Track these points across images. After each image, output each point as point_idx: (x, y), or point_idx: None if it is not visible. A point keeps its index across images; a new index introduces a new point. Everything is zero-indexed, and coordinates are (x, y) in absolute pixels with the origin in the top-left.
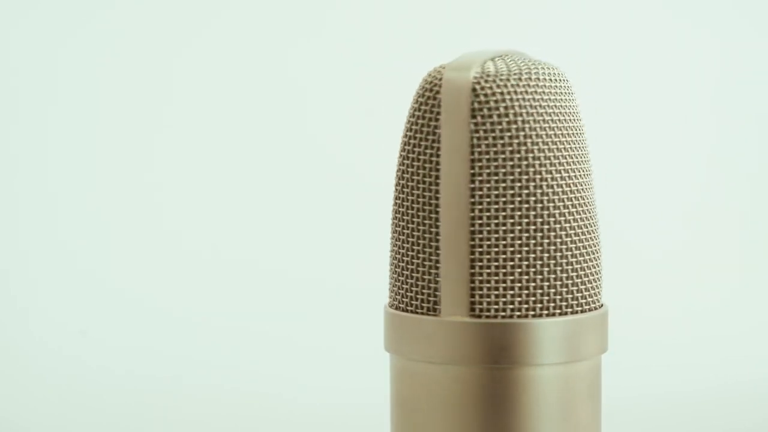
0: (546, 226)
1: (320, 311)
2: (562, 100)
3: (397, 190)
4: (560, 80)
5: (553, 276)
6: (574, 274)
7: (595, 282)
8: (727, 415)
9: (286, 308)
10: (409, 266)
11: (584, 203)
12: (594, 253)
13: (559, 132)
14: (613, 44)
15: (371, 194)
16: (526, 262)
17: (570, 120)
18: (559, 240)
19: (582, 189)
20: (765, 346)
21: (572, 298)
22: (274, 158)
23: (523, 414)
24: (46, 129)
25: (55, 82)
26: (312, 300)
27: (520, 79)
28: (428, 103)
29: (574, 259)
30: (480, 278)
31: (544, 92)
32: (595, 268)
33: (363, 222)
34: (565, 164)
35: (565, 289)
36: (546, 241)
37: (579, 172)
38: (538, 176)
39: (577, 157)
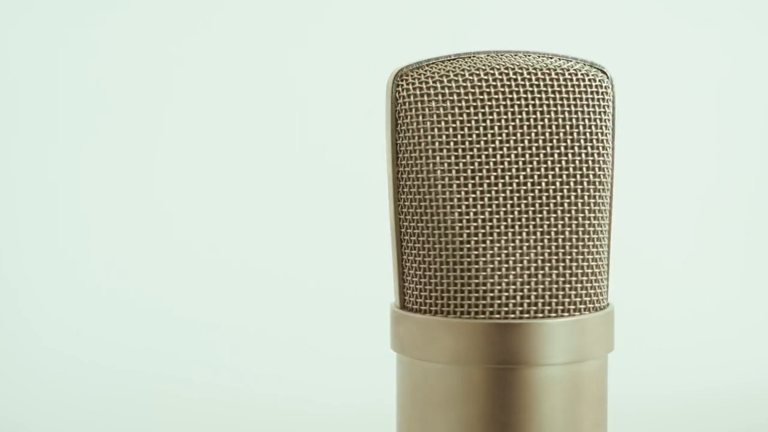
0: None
1: (325, 312)
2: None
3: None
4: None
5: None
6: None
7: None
8: (731, 416)
9: (289, 309)
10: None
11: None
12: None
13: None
14: (618, 47)
15: (375, 195)
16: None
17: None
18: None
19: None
20: None
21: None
22: (277, 159)
23: (530, 413)
24: (45, 130)
25: (55, 84)
26: (317, 300)
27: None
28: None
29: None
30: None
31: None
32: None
33: (366, 222)
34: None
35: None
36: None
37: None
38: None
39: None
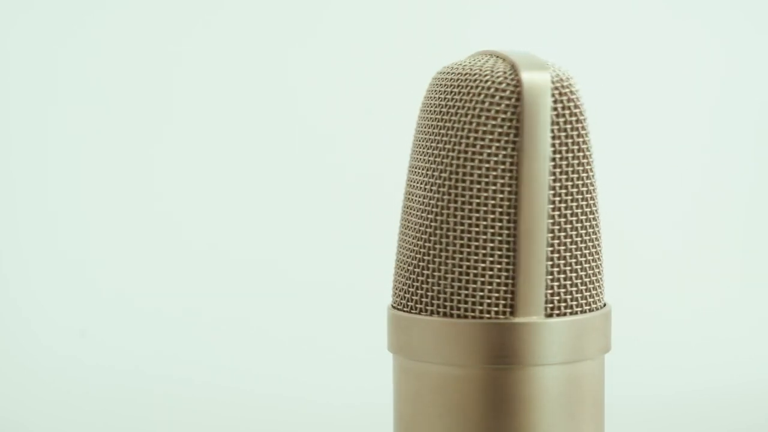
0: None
1: (325, 311)
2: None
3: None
4: None
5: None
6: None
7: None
8: (731, 416)
9: (289, 308)
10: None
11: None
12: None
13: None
14: (612, 46)
15: (374, 194)
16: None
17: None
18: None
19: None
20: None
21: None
22: (276, 157)
23: (527, 414)
24: (45, 130)
25: (55, 84)
26: (317, 300)
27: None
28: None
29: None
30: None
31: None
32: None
33: (365, 222)
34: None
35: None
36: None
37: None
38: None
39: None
